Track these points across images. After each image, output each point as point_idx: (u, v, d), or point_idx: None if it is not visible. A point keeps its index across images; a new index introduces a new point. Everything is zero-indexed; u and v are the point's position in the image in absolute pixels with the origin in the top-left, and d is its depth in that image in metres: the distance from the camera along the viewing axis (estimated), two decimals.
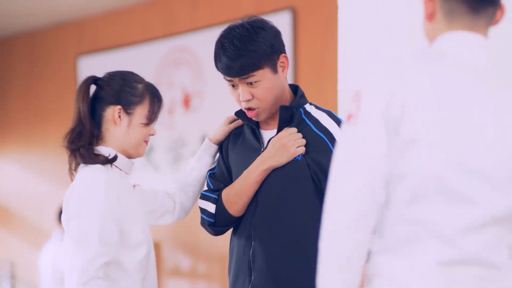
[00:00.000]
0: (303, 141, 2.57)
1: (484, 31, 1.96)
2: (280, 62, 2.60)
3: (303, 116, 2.62)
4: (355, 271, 1.87)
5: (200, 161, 2.79)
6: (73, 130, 2.58)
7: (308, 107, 2.65)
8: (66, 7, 6.85)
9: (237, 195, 2.62)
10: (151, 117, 2.62)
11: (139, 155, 2.64)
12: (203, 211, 2.68)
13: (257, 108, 2.60)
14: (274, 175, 2.59)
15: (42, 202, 7.31)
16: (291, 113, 2.61)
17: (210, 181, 2.72)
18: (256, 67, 2.54)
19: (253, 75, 2.55)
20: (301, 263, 2.54)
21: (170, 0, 6.49)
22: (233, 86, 2.60)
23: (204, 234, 6.21)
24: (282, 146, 2.57)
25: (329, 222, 1.89)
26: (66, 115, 7.19)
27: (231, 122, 2.79)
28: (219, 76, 2.63)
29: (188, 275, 6.25)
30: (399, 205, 1.88)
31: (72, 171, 2.59)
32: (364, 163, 1.86)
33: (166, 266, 6.35)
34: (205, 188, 2.72)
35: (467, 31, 1.94)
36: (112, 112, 2.59)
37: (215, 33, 2.68)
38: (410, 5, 3.27)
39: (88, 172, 2.54)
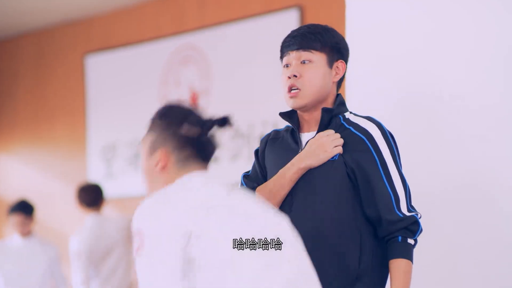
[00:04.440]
0: (341, 141, 2.58)
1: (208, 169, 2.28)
2: (337, 66, 2.65)
3: (342, 121, 2.62)
4: None
5: None
6: None
7: (347, 114, 2.66)
8: (74, 5, 6.86)
9: (271, 193, 2.62)
10: None
11: None
12: None
13: (300, 89, 2.61)
14: (309, 175, 2.59)
15: (49, 199, 7.32)
16: (331, 116, 2.62)
17: (244, 181, 2.75)
18: (316, 47, 2.61)
19: (311, 52, 2.61)
20: (335, 266, 2.53)
21: None
22: (286, 66, 2.65)
23: None
24: (320, 145, 2.58)
25: None
26: (74, 113, 7.20)
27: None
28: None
29: None
30: None
31: None
32: None
33: None
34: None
35: (201, 171, 2.22)
36: None
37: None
38: (418, 4, 3.28)
39: None
